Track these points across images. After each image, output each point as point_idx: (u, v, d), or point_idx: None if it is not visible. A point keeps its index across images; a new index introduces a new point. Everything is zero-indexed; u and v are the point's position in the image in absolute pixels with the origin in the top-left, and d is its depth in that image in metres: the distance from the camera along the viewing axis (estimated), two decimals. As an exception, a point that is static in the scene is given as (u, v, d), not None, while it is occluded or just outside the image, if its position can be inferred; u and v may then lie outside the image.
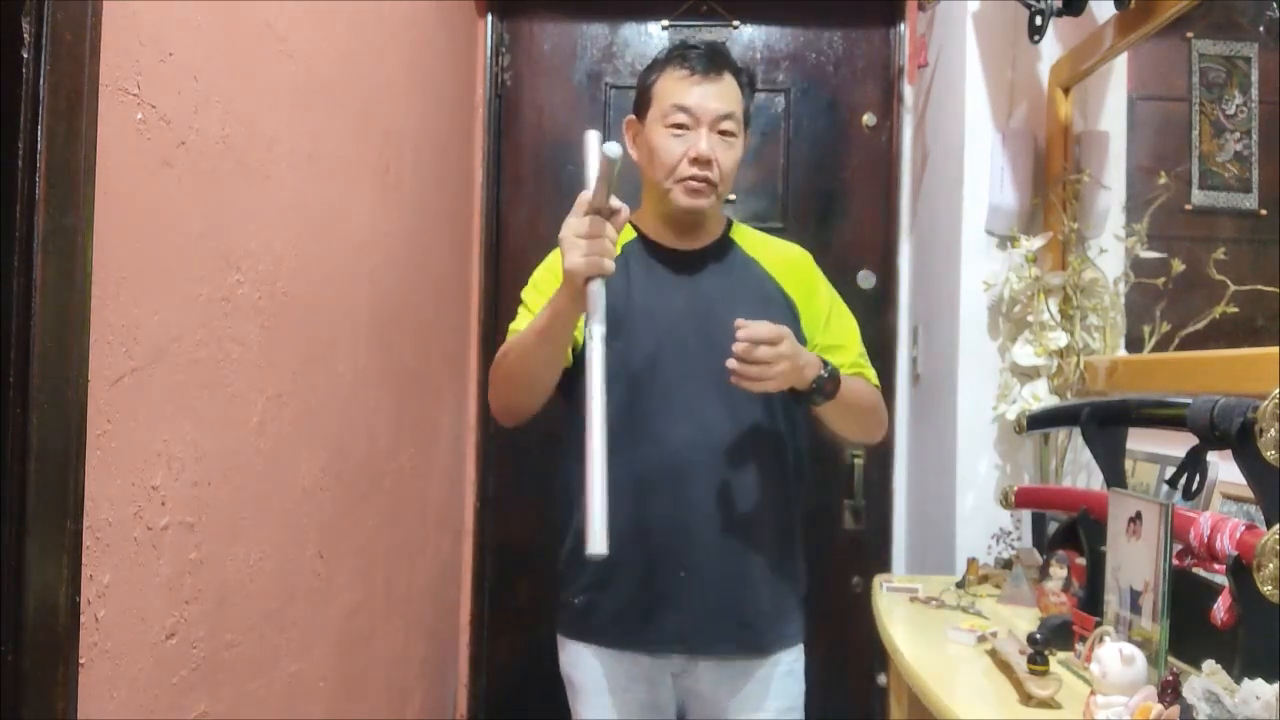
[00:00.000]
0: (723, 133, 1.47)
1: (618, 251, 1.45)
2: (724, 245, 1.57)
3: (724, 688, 1.50)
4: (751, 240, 1.61)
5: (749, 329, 1.31)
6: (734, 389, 1.45)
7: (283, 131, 1.34)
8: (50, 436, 0.85)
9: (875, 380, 1.58)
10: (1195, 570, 1.20)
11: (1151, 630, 1.15)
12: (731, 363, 1.31)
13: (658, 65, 1.53)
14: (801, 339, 1.49)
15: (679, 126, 1.47)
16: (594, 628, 1.52)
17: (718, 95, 1.46)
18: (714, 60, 1.49)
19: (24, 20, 0.82)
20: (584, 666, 1.54)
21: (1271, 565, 1.01)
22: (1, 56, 0.82)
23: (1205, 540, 1.12)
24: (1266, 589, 1.01)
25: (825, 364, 1.41)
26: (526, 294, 1.54)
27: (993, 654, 1.35)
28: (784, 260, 1.59)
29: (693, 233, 1.56)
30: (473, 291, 2.63)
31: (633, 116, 1.57)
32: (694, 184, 1.46)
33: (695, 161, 1.46)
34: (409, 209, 1.98)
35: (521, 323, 1.50)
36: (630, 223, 1.57)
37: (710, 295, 1.52)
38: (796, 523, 1.56)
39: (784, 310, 1.52)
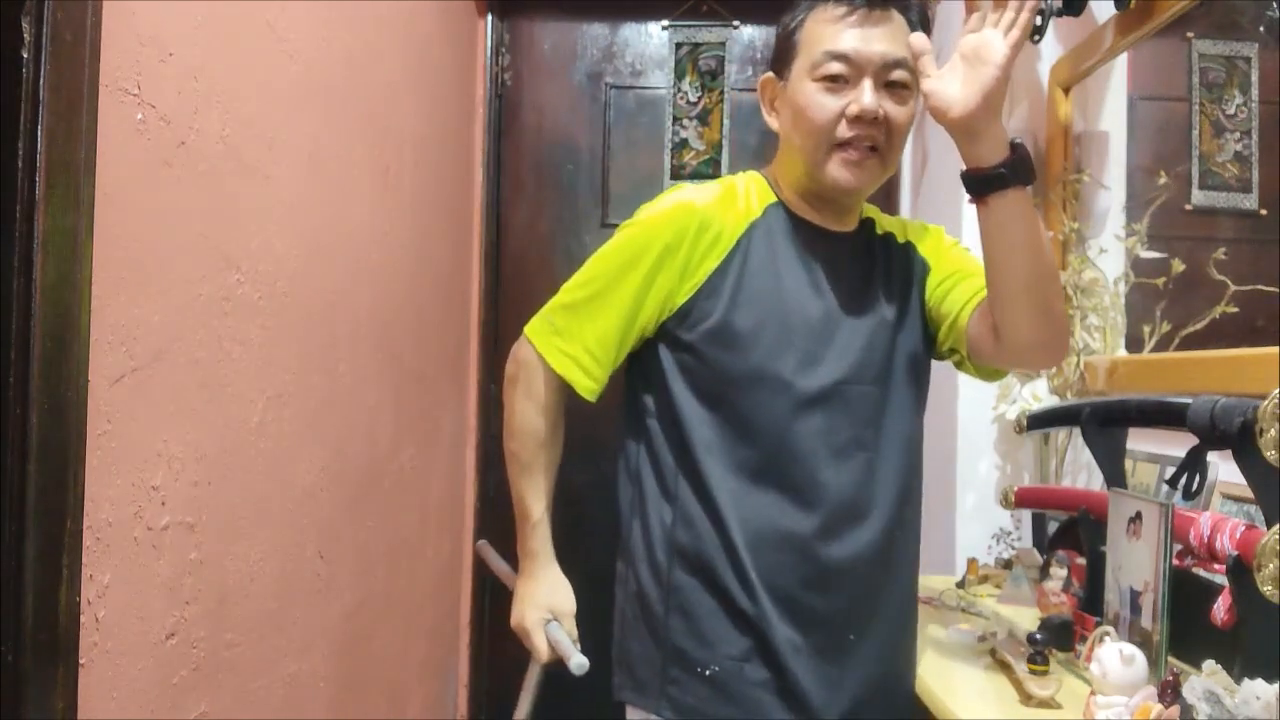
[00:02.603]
0: (891, 84, 1.15)
1: (759, 213, 1.22)
2: (869, 226, 1.30)
3: None
4: (880, 217, 1.33)
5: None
6: (903, 416, 1.24)
7: (283, 131, 1.33)
8: (50, 436, 0.85)
9: None
10: (1195, 570, 1.20)
11: (1151, 630, 1.15)
12: None
13: (803, 5, 1.19)
14: (923, 302, 1.26)
15: (834, 79, 1.14)
16: (724, 704, 1.16)
17: (885, 37, 1.14)
18: None
19: (24, 20, 0.82)
20: None
21: (1271, 565, 1.01)
22: (2, 56, 0.82)
23: (1205, 540, 1.12)
24: (1266, 589, 1.01)
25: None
26: (589, 288, 1.24)
27: (993, 654, 1.35)
28: (917, 229, 1.33)
29: (845, 213, 1.26)
30: (473, 291, 2.63)
31: (770, 74, 1.24)
32: (854, 153, 1.15)
33: (858, 120, 1.14)
34: (409, 209, 1.98)
35: (567, 332, 1.23)
36: (765, 178, 1.27)
37: (876, 298, 1.24)
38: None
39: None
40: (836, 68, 1.14)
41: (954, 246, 1.26)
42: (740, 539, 1.16)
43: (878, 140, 1.15)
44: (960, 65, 1.03)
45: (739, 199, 1.23)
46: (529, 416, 1.25)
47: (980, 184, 1.05)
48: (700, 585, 1.18)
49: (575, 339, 1.22)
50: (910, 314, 1.25)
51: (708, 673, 1.16)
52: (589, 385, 1.22)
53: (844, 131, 1.15)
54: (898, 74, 1.15)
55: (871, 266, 1.26)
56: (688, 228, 1.19)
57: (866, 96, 1.13)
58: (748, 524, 1.16)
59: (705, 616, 1.17)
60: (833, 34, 1.15)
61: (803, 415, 1.17)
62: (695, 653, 1.17)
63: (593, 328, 1.22)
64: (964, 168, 1.07)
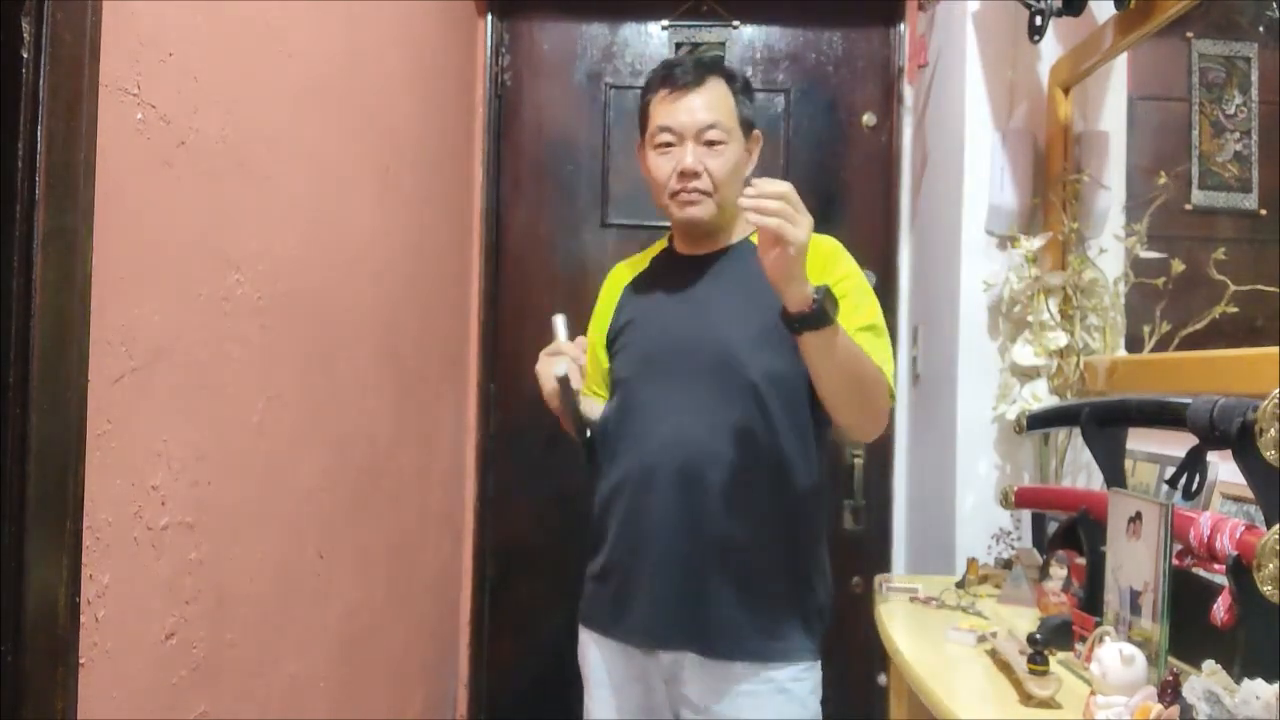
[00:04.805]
0: (710, 142, 1.48)
1: (646, 265, 1.66)
2: (740, 248, 1.55)
3: (711, 695, 1.46)
4: None
5: (758, 182, 1.24)
6: (728, 390, 1.46)
7: (283, 131, 1.34)
8: (50, 436, 0.85)
9: (884, 365, 1.43)
10: (1195, 570, 1.20)
11: (1151, 630, 1.15)
12: (752, 216, 1.22)
13: (649, 87, 1.55)
14: None
15: (665, 145, 1.50)
16: (590, 614, 1.59)
17: (701, 107, 1.48)
18: (697, 71, 1.50)
19: (24, 20, 0.82)
20: (587, 657, 1.59)
21: (1271, 565, 1.01)
22: (1, 56, 0.82)
23: (1205, 540, 1.12)
24: (1266, 589, 1.01)
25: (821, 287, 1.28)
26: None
27: (993, 654, 1.35)
28: (810, 262, 1.50)
29: (707, 240, 1.57)
30: (473, 291, 2.63)
31: (640, 139, 1.59)
32: (685, 196, 1.49)
33: (682, 175, 1.48)
34: (409, 209, 1.98)
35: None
36: (670, 235, 1.67)
37: (709, 298, 1.53)
38: (805, 532, 1.50)
39: None
40: (666, 137, 1.50)
41: (842, 300, 1.42)
42: (607, 493, 1.53)
43: (703, 186, 1.49)
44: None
45: (641, 260, 1.67)
46: None
47: (788, 325, 1.29)
48: (594, 527, 1.58)
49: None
50: (756, 320, 1.43)
51: (588, 587, 1.59)
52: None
53: (675, 184, 1.50)
54: (711, 134, 1.49)
55: (725, 278, 1.54)
56: (606, 284, 1.71)
57: (688, 158, 1.48)
58: (615, 481, 1.52)
59: (594, 552, 1.58)
60: (663, 111, 1.51)
61: (644, 398, 1.52)
62: (588, 574, 1.60)
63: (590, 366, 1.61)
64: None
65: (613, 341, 1.61)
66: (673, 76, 1.51)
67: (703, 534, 1.45)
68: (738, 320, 1.48)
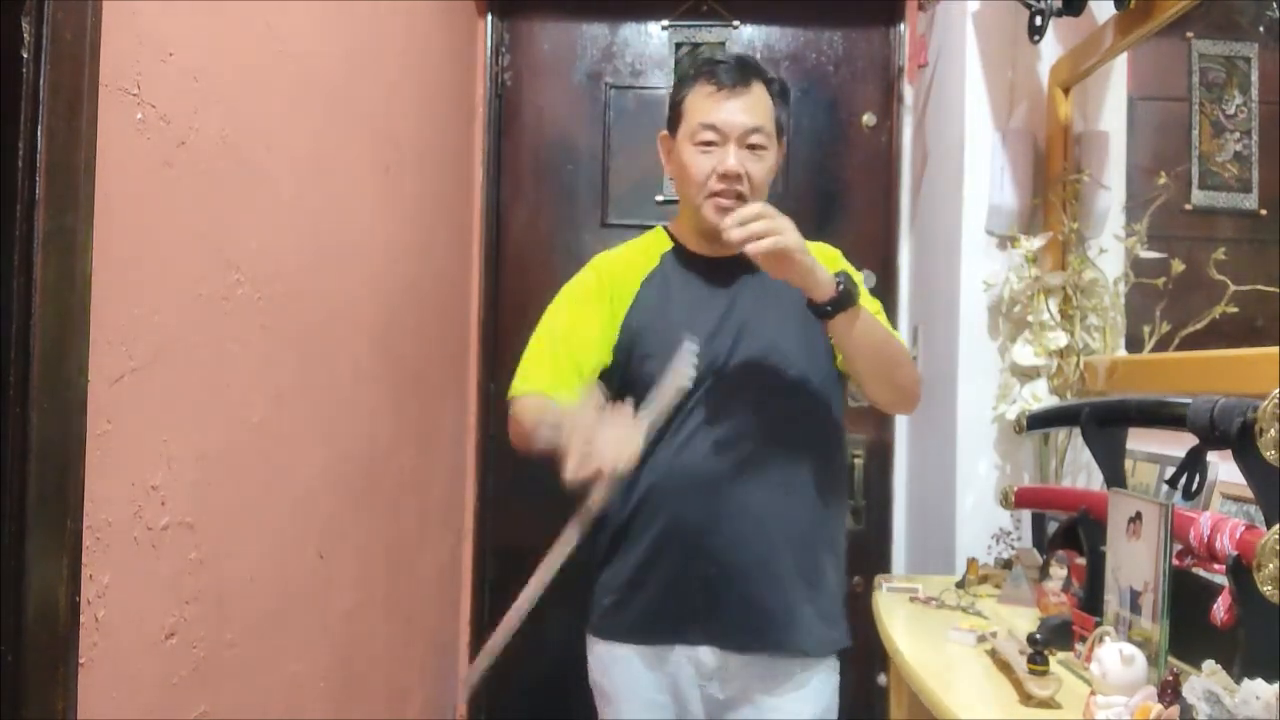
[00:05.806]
0: (752, 146, 1.46)
1: (656, 263, 1.57)
2: None
3: (752, 691, 1.49)
4: None
5: (733, 215, 1.31)
6: (770, 399, 1.48)
7: (283, 132, 1.34)
8: (50, 436, 0.85)
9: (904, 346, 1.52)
10: (1195, 570, 1.20)
11: (1151, 630, 1.15)
12: (748, 248, 1.28)
13: (687, 80, 1.52)
14: (827, 341, 1.48)
15: (707, 143, 1.47)
16: (621, 625, 1.53)
17: (745, 109, 1.46)
18: (742, 72, 1.48)
19: (24, 20, 0.82)
20: (610, 670, 1.55)
21: (1271, 565, 1.01)
22: (1, 56, 0.82)
23: (1205, 540, 1.12)
24: (1266, 589, 1.01)
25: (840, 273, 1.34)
26: (538, 339, 1.55)
27: (993, 654, 1.35)
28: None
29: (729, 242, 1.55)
30: (473, 291, 2.63)
31: (665, 131, 1.56)
32: (723, 200, 1.46)
33: (724, 177, 1.46)
34: (409, 209, 1.98)
35: (531, 369, 1.50)
36: (667, 230, 1.62)
37: (745, 304, 1.51)
38: (837, 532, 1.55)
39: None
40: (708, 135, 1.47)
41: None
42: (640, 498, 1.48)
43: (741, 190, 1.46)
44: None
45: (641, 255, 1.59)
46: (526, 417, 1.47)
47: (818, 313, 1.34)
48: (611, 540, 1.53)
49: (532, 375, 1.52)
50: (793, 327, 1.48)
51: (606, 602, 1.53)
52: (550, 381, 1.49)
53: (714, 185, 1.47)
54: (755, 138, 1.47)
55: (755, 284, 1.51)
56: (604, 272, 1.58)
57: (730, 159, 1.45)
58: (641, 492, 1.47)
59: (609, 562, 1.53)
60: (706, 108, 1.47)
61: (680, 405, 1.43)
62: (603, 588, 1.55)
63: (550, 359, 1.53)
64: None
65: (630, 343, 1.53)
66: (718, 74, 1.48)
67: (761, 543, 1.46)
68: (779, 325, 1.49)
